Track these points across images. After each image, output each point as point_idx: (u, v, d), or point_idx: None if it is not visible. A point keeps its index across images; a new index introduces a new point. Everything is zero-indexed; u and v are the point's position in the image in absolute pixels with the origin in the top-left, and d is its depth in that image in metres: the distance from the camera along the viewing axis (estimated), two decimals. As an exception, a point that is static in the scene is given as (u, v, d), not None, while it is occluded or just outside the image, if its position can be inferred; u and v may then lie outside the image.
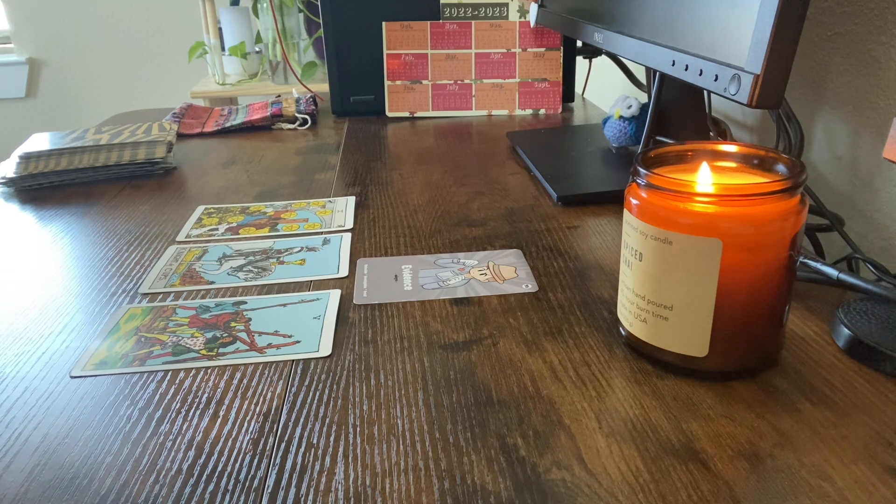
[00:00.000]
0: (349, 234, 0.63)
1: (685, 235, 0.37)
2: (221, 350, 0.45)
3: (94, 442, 0.37)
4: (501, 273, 0.54)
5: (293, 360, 0.44)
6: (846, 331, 0.42)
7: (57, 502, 0.33)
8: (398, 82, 1.07)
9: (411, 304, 0.50)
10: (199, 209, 0.71)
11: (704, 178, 0.40)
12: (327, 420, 0.38)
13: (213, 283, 0.55)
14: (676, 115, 0.68)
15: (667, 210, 0.38)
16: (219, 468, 0.35)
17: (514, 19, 1.05)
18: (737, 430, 0.36)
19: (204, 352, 0.45)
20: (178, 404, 0.40)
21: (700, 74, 0.50)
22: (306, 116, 1.06)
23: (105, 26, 2.47)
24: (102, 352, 0.45)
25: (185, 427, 0.38)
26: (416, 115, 1.08)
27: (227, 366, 0.43)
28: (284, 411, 0.39)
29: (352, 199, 0.72)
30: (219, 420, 0.38)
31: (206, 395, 0.41)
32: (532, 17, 1.03)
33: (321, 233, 0.64)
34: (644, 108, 0.77)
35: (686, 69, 0.52)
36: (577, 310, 0.49)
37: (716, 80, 0.48)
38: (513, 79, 1.07)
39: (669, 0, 0.57)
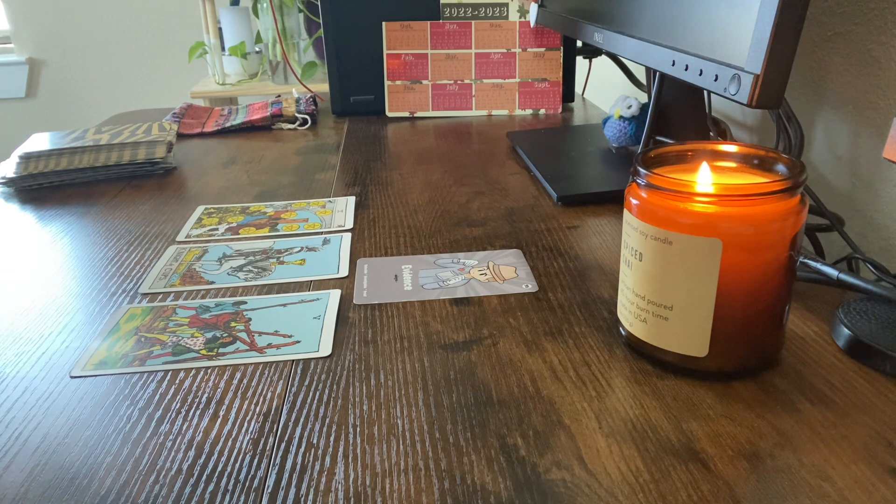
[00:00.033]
0: (349, 234, 0.63)
1: (685, 235, 0.37)
2: (221, 350, 0.45)
3: (94, 442, 0.37)
4: (501, 273, 0.54)
5: (293, 360, 0.44)
6: (846, 331, 0.42)
7: (57, 502, 0.33)
8: (398, 82, 1.07)
9: (411, 304, 0.50)
10: (199, 209, 0.71)
11: (704, 178, 0.40)
12: (327, 420, 0.38)
13: (213, 283, 0.55)
14: (676, 115, 0.68)
15: (667, 210, 0.38)
16: (219, 468, 0.35)
17: (514, 19, 1.05)
18: (737, 430, 0.36)
19: (204, 352, 0.45)
20: (178, 404, 0.40)
21: (700, 74, 0.50)
22: (306, 116, 1.06)
23: (105, 26, 2.47)
24: (102, 352, 0.45)
25: (185, 427, 0.38)
26: (416, 115, 1.08)
27: (227, 366, 0.43)
28: (284, 411, 0.39)
29: (352, 199, 0.72)
30: (219, 420, 0.38)
31: (206, 395, 0.41)
32: (532, 17, 1.03)
33: (321, 233, 0.64)
34: (644, 108, 0.77)
35: (686, 69, 0.52)
36: (577, 310, 0.49)
37: (716, 80, 0.48)
38: (513, 79, 1.07)
39: (669, 0, 0.57)
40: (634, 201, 0.40)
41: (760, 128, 0.79)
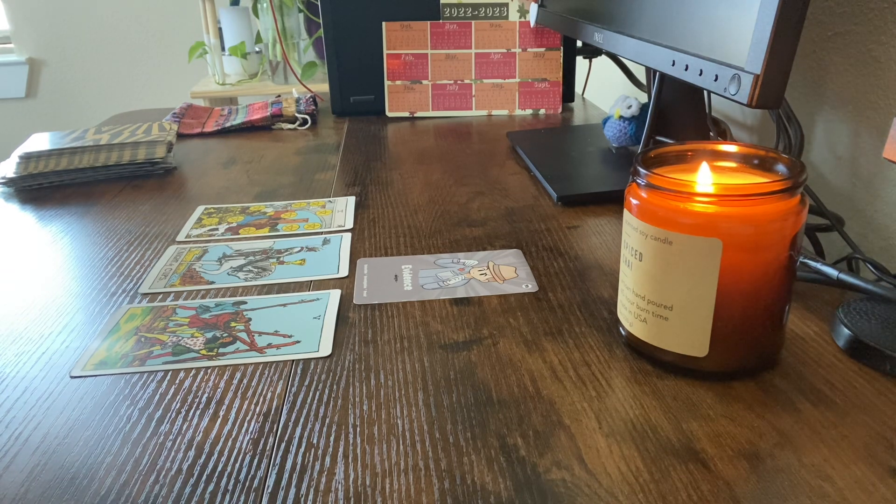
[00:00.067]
0: (349, 234, 0.63)
1: (685, 235, 0.37)
2: (221, 350, 0.45)
3: (94, 442, 0.37)
4: (501, 273, 0.54)
5: (293, 360, 0.44)
6: (846, 331, 0.42)
7: (57, 502, 0.33)
8: (398, 82, 1.07)
9: (411, 304, 0.50)
10: (199, 209, 0.71)
11: (704, 178, 0.40)
12: (327, 420, 0.38)
13: (213, 283, 0.55)
14: (676, 115, 0.68)
15: (667, 210, 0.38)
16: (219, 468, 0.35)
17: (514, 19, 1.05)
18: (737, 430, 0.36)
19: (204, 352, 0.45)
20: (178, 404, 0.40)
21: (700, 74, 0.50)
22: (306, 116, 1.06)
23: (105, 26, 2.47)
24: (102, 352, 0.45)
25: (185, 427, 0.38)
26: (416, 115, 1.08)
27: (227, 366, 0.43)
28: (284, 411, 0.39)
29: (352, 199, 0.72)
30: (219, 420, 0.38)
31: (206, 395, 0.41)
32: (532, 17, 1.03)
33: (321, 233, 0.64)
34: (644, 108, 0.77)
35: (686, 69, 0.52)
36: (577, 310, 0.49)
37: (716, 80, 0.48)
38: (513, 79, 1.07)
39: (669, 0, 0.57)
40: (634, 201, 0.40)
41: (760, 128, 0.79)
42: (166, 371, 0.43)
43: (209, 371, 0.43)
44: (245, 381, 0.42)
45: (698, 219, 0.37)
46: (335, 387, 0.41)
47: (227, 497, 0.33)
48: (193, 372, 0.43)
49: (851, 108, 0.63)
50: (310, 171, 0.83)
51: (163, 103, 2.57)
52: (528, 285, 0.52)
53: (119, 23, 2.47)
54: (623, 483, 0.33)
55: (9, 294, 0.54)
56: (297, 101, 1.11)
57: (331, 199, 0.73)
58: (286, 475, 0.34)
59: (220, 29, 1.76)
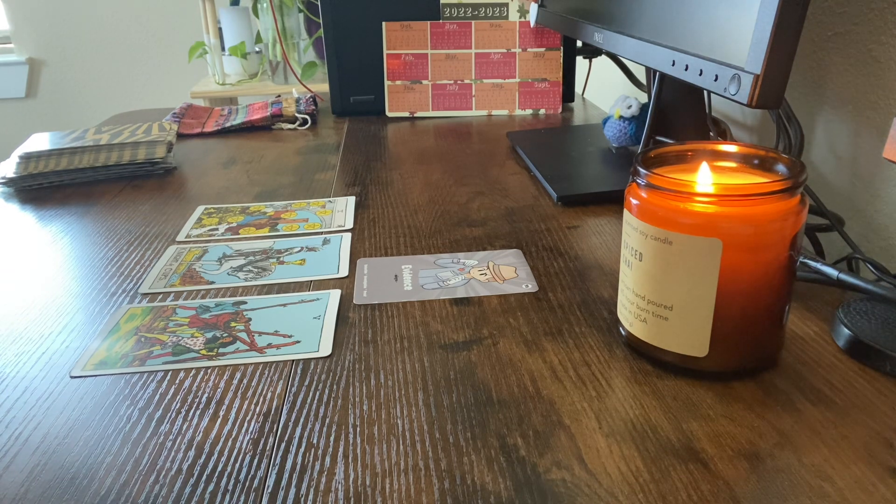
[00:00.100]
0: (349, 234, 0.63)
1: (685, 235, 0.37)
2: (221, 350, 0.45)
3: (94, 442, 0.37)
4: (501, 273, 0.54)
5: (293, 360, 0.44)
6: (846, 331, 0.42)
7: (57, 502, 0.33)
8: (398, 82, 1.07)
9: (411, 304, 0.50)
10: (199, 209, 0.71)
11: (704, 178, 0.40)
12: (327, 420, 0.38)
13: (213, 283, 0.55)
14: (676, 115, 0.68)
15: (667, 210, 0.38)
16: (219, 468, 0.35)
17: (514, 19, 1.05)
18: (737, 430, 0.36)
19: (204, 352, 0.45)
20: (178, 404, 0.40)
21: (700, 74, 0.50)
22: (306, 116, 1.06)
23: (105, 26, 2.47)
24: (102, 352, 0.45)
25: (185, 427, 0.38)
26: (416, 115, 1.08)
27: (227, 366, 0.43)
28: (284, 411, 0.39)
29: (352, 199, 0.72)
30: (219, 420, 0.38)
31: (206, 395, 0.41)
32: (532, 17, 1.03)
33: (321, 233, 0.64)
34: (644, 108, 0.77)
35: (686, 69, 0.52)
36: (577, 310, 0.49)
37: (716, 80, 0.48)
38: (513, 79, 1.07)
39: (669, 0, 0.57)
40: (634, 201, 0.40)
41: (760, 128, 0.79)
42: (166, 371, 0.43)
43: (209, 371, 0.43)
44: (245, 381, 0.42)
45: (698, 219, 0.37)
46: (335, 387, 0.41)
47: (227, 497, 0.33)
48: (193, 372, 0.43)
49: (851, 108, 0.63)
50: (310, 171, 0.83)
51: (163, 103, 2.57)
52: (528, 285, 0.52)
53: (119, 23, 2.47)
54: (623, 483, 0.33)
55: (9, 294, 0.54)
56: (297, 101, 1.11)
57: (331, 199, 0.73)
58: (286, 475, 0.34)
59: (220, 29, 1.76)
